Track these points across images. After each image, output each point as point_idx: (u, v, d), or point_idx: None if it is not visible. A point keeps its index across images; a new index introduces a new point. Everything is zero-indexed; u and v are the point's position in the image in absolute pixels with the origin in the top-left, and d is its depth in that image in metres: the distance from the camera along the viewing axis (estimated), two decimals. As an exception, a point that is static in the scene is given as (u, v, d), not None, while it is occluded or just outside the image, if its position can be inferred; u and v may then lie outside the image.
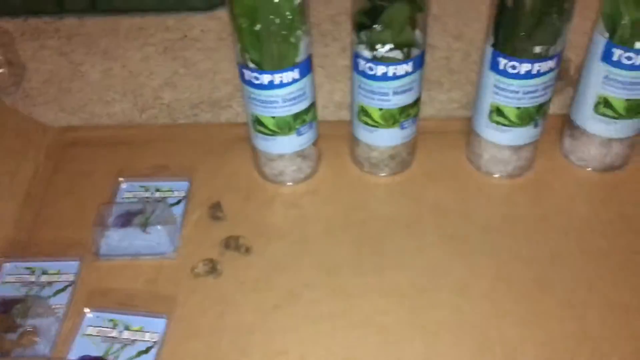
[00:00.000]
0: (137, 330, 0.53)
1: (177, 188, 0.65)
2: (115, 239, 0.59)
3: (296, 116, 0.59)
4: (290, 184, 0.65)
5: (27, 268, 0.58)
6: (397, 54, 0.55)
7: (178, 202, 0.64)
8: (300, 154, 0.63)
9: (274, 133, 0.60)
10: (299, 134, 0.60)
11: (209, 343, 0.52)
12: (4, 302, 0.53)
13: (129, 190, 0.65)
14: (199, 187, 0.65)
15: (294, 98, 0.57)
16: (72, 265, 0.58)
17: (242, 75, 0.57)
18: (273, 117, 0.58)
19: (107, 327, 0.53)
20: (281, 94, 0.56)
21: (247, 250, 0.58)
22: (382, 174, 0.65)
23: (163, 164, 0.67)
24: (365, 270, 0.57)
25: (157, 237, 0.59)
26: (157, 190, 0.65)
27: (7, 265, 0.58)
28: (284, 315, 0.54)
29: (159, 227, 0.58)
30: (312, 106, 0.60)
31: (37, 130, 0.71)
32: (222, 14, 0.90)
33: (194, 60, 0.82)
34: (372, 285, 0.55)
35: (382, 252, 0.58)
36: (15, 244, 0.60)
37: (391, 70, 0.55)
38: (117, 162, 0.68)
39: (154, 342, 0.52)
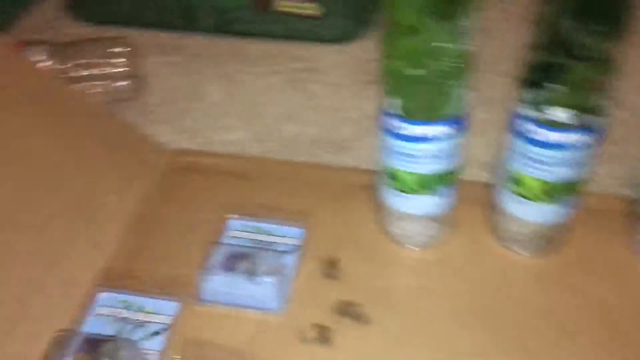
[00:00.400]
0: (232, 397, 0.46)
1: (290, 234, 0.59)
2: (219, 283, 0.54)
3: (440, 176, 0.51)
4: (417, 248, 0.57)
5: (123, 302, 0.53)
6: (572, 120, 0.47)
7: (290, 252, 0.57)
8: (436, 218, 0.55)
9: (410, 191, 0.52)
10: (439, 195, 0.53)
11: None
12: (93, 341, 0.48)
13: (238, 229, 0.60)
14: (315, 237, 0.58)
15: (443, 156, 0.50)
16: (171, 306, 0.53)
17: (384, 122, 0.50)
18: (413, 174, 0.51)
19: (200, 387, 0.47)
20: (429, 149, 0.49)
21: (365, 320, 0.51)
22: (526, 253, 0.56)
23: (277, 205, 0.61)
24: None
25: (264, 289, 0.52)
26: (268, 233, 0.59)
27: (103, 296, 0.54)
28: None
29: (267, 278, 0.52)
30: (459, 167, 0.53)
31: (153, 151, 0.67)
32: (353, 48, 0.84)
33: (320, 95, 0.76)
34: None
35: (523, 349, 0.49)
36: (112, 274, 0.56)
37: (564, 138, 0.47)
38: (229, 195, 0.63)
39: (250, 414, 0.45)
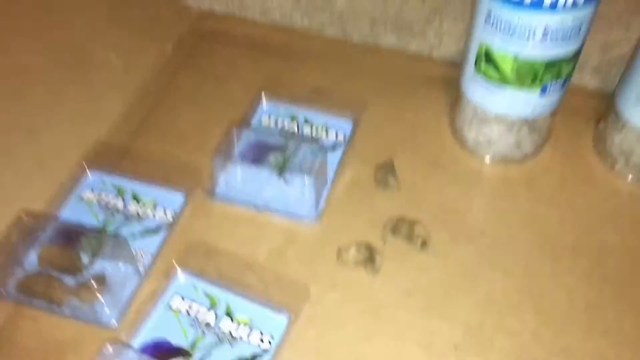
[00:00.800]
0: (244, 323, 0.35)
1: (336, 126, 0.46)
2: (240, 177, 0.42)
3: (552, 64, 0.37)
4: (494, 160, 0.44)
5: (116, 187, 0.41)
6: None
7: (333, 148, 0.45)
8: (530, 123, 0.41)
9: (506, 81, 0.39)
10: (544, 92, 0.39)
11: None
12: (72, 230, 0.37)
13: (270, 114, 0.47)
14: (367, 134, 0.45)
15: (563, 34, 0.36)
16: (175, 198, 0.41)
17: (487, -21, 0.36)
18: (516, 58, 0.37)
19: (203, 306, 0.36)
20: (547, 22, 0.35)
21: (424, 244, 0.39)
22: (643, 182, 0.42)
23: (322, 91, 0.48)
24: (595, 323, 0.36)
25: (297, 190, 0.40)
26: (308, 122, 0.46)
27: (91, 177, 0.42)
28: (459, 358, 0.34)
29: (302, 177, 0.39)
30: (578, 54, 0.38)
31: (173, 11, 0.54)
32: None
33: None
34: (602, 349, 0.34)
35: (626, 299, 0.36)
36: (108, 151, 0.44)
37: None
38: (263, 72, 0.50)
39: (265, 350, 0.34)
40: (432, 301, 0.36)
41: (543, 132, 0.43)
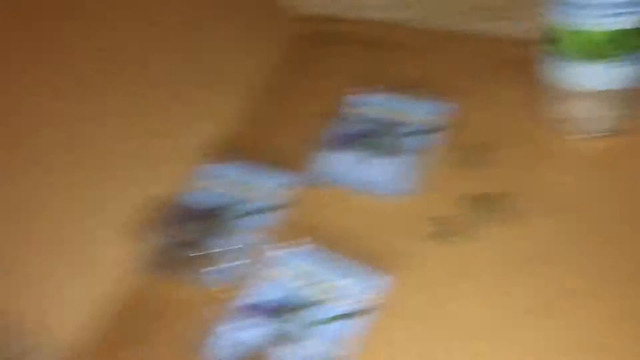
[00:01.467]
0: (338, 289, 0.40)
1: (427, 113, 0.49)
2: (335, 162, 0.47)
3: (618, 36, 0.38)
4: (580, 136, 0.44)
5: (230, 175, 0.48)
6: None
7: (425, 132, 0.48)
8: (608, 96, 0.42)
9: (584, 55, 0.40)
10: (614, 64, 0.39)
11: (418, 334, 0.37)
12: (194, 213, 0.45)
13: (368, 104, 0.51)
14: (457, 119, 0.48)
15: (632, 2, 0.36)
16: (282, 182, 0.47)
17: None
18: (587, 32, 0.38)
19: (303, 274, 0.41)
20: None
21: (509, 218, 0.41)
22: None
23: (415, 80, 0.52)
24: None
25: (383, 172, 0.44)
26: (402, 111, 0.50)
27: (210, 168, 0.49)
28: (534, 325, 0.36)
29: (387, 160, 0.44)
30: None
31: (279, 17, 0.60)
32: None
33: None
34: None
35: None
36: (223, 145, 0.51)
37: None
38: (362, 67, 0.55)
39: (355, 311, 0.39)
40: (510, 277, 0.39)
41: (627, 105, 0.43)
